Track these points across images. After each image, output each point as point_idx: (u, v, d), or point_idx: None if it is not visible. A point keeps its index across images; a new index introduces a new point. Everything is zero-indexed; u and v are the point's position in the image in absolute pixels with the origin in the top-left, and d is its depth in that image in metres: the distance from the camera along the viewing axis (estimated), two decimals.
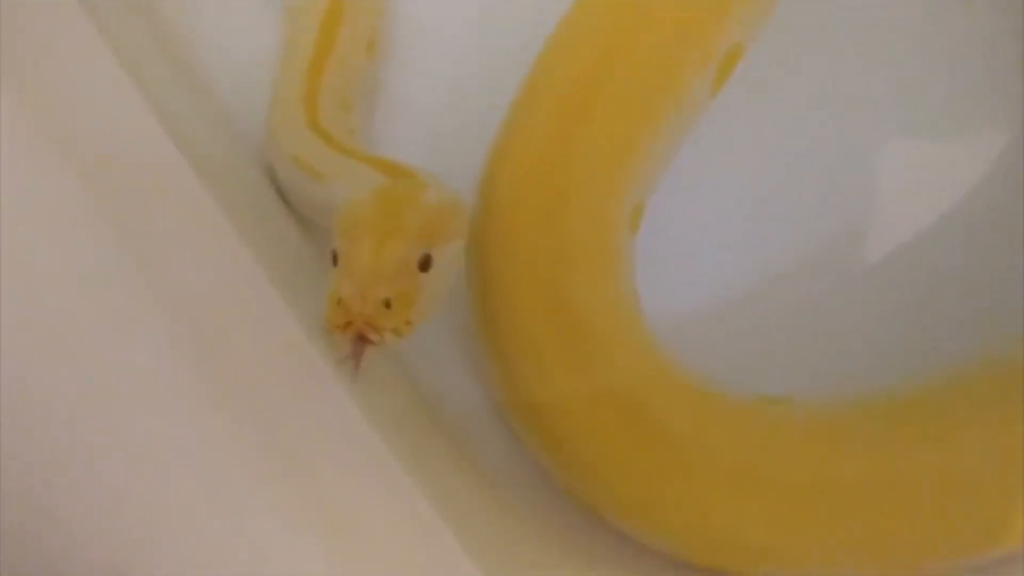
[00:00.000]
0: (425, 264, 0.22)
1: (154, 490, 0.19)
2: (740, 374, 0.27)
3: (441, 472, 0.27)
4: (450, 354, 0.30)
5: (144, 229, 0.22)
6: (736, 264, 0.30)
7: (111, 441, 0.19)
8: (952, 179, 0.31)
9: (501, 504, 0.28)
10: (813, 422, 0.26)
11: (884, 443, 0.25)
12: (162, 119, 0.24)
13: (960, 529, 0.24)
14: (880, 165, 0.31)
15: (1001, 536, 0.24)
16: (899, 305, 0.30)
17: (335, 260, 0.22)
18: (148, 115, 0.24)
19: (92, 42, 0.24)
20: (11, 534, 0.18)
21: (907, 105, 0.32)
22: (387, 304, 0.21)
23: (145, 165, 0.24)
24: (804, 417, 0.26)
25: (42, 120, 0.21)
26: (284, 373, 0.23)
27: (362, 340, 0.21)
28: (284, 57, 0.29)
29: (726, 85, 0.29)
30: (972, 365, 0.27)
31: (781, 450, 0.25)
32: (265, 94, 0.29)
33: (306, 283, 0.26)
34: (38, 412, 0.19)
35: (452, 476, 0.27)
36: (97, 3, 0.25)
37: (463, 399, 0.29)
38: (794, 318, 0.30)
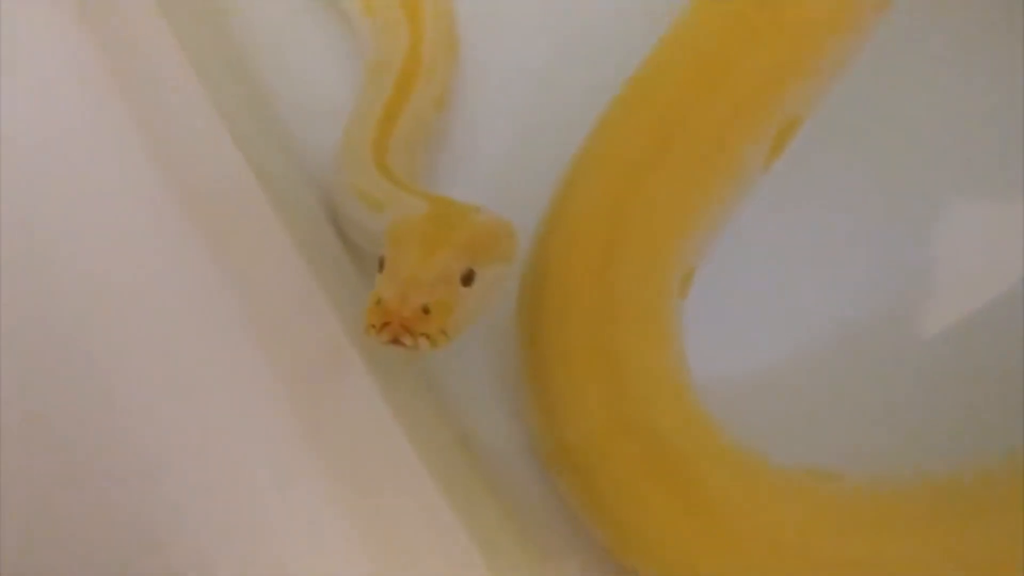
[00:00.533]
0: (468, 279, 0.23)
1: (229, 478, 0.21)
2: (786, 444, 0.27)
3: (475, 504, 0.28)
4: (494, 397, 0.30)
5: (223, 234, 0.24)
6: (786, 333, 0.31)
7: (191, 419, 0.21)
8: (1010, 253, 0.31)
9: (535, 548, 0.28)
10: (862, 500, 0.26)
11: (933, 525, 0.25)
12: (243, 149, 0.27)
13: None
14: (936, 239, 0.32)
15: None
16: (953, 383, 0.30)
17: (381, 266, 0.23)
18: (232, 146, 0.27)
19: (194, 86, 0.26)
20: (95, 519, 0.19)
21: (964, 180, 0.32)
22: (425, 310, 0.22)
23: (226, 183, 0.26)
24: (853, 494, 0.26)
25: (153, 146, 0.24)
26: (327, 373, 0.24)
27: (396, 342, 0.22)
28: (359, 104, 0.31)
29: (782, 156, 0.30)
30: None
31: (828, 527, 0.25)
32: (331, 132, 0.31)
33: (350, 296, 0.27)
34: (132, 392, 0.21)
35: (486, 511, 0.28)
36: (194, 50, 0.27)
37: (502, 444, 0.30)
38: (844, 390, 0.30)
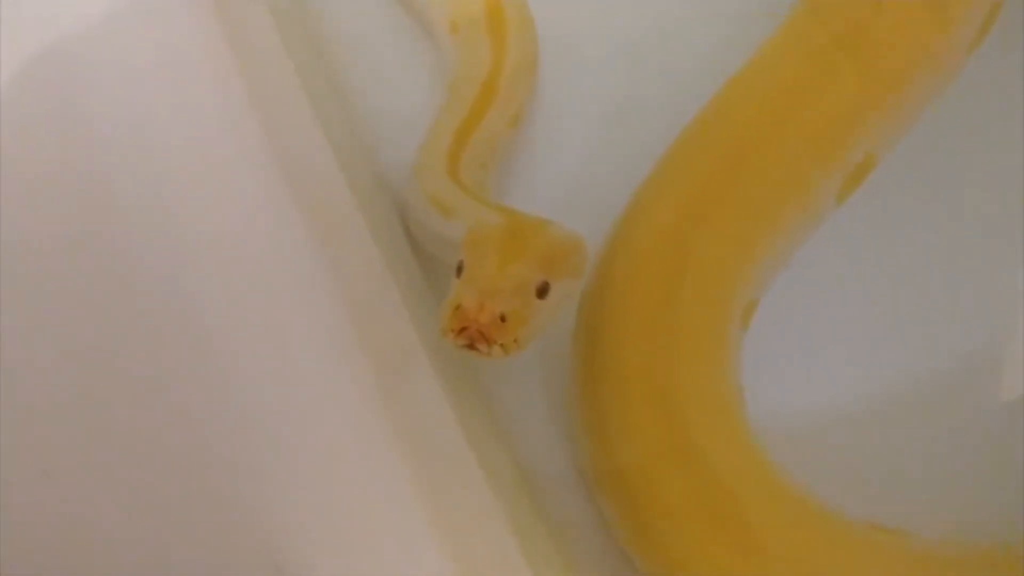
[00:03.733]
0: (543, 291, 0.24)
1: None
2: (836, 488, 0.26)
3: (523, 518, 0.28)
4: (546, 415, 0.30)
5: (322, 226, 0.26)
6: (846, 376, 0.30)
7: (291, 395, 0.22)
8: None
9: (577, 569, 0.28)
10: (922, 558, 0.25)
11: None
12: (337, 154, 0.28)
13: None
14: (1016, 296, 0.31)
15: None
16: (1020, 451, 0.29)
17: (459, 272, 0.24)
18: (328, 149, 0.28)
19: (302, 100, 0.28)
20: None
21: None
22: (502, 318, 0.22)
23: (324, 191, 0.28)
24: (912, 552, 0.25)
25: (275, 153, 0.25)
26: (401, 373, 0.25)
27: (471, 348, 0.22)
28: (438, 117, 0.31)
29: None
30: None
31: None
32: (409, 143, 0.32)
33: (416, 298, 0.28)
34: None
35: (533, 528, 0.28)
36: (299, 64, 0.29)
37: (551, 462, 0.30)
38: (905, 443, 0.29)
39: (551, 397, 0.31)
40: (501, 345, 0.23)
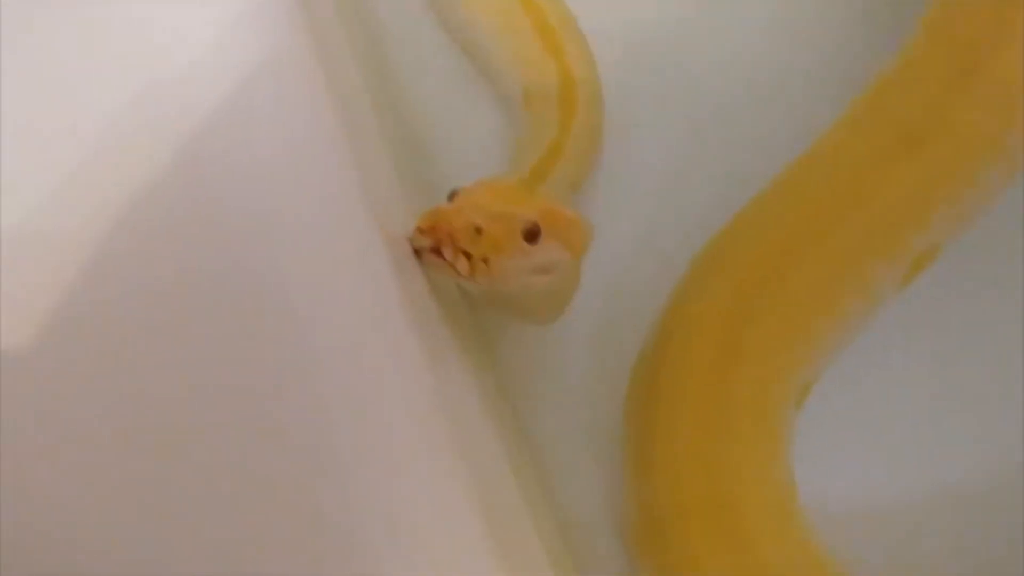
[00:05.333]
0: (532, 235, 0.22)
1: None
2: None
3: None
4: (593, 476, 0.30)
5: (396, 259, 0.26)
6: (898, 466, 0.30)
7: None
8: None
9: None
10: None
11: None
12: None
13: None
14: None
15: None
16: None
17: (451, 197, 0.23)
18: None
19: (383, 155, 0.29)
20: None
21: None
22: (478, 230, 0.21)
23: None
24: None
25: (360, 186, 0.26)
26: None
27: (436, 252, 0.21)
28: (501, 175, 0.32)
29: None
30: None
31: None
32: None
33: (455, 335, 0.28)
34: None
35: None
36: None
37: (594, 522, 0.29)
38: (958, 535, 0.29)
39: (599, 451, 0.30)
40: (467, 256, 0.21)
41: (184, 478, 0.20)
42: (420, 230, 0.22)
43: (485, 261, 0.21)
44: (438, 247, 0.21)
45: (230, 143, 0.23)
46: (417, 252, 0.23)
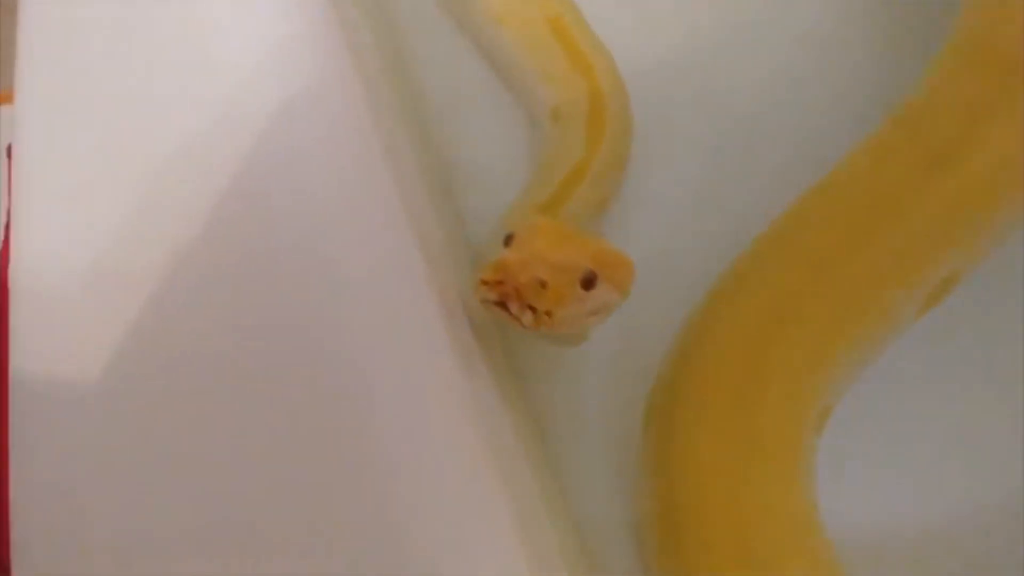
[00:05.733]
0: (589, 283, 0.23)
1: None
2: None
3: None
4: (612, 499, 0.30)
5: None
6: (918, 491, 0.30)
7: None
8: None
9: None
10: None
11: None
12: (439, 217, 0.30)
13: None
14: None
15: None
16: None
17: (507, 243, 0.23)
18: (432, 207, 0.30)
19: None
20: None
21: None
22: (543, 284, 0.22)
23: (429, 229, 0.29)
24: None
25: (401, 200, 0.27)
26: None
27: (502, 305, 0.22)
28: (526, 189, 0.32)
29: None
30: None
31: None
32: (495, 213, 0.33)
33: (482, 346, 0.28)
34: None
35: None
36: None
37: (614, 547, 0.30)
38: (978, 567, 0.28)
39: (619, 470, 0.31)
40: (532, 311, 0.22)
41: (258, 493, 0.21)
42: (485, 283, 0.22)
43: (548, 314, 0.22)
44: (504, 300, 0.22)
45: (286, 171, 0.24)
46: (482, 301, 0.24)
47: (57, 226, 0.23)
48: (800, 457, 0.27)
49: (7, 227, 0.24)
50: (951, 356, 0.31)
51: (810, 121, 0.35)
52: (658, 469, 0.27)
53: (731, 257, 0.30)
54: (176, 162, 0.24)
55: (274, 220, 0.24)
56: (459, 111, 0.36)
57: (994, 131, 0.28)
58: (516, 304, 0.22)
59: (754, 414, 0.26)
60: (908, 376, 0.31)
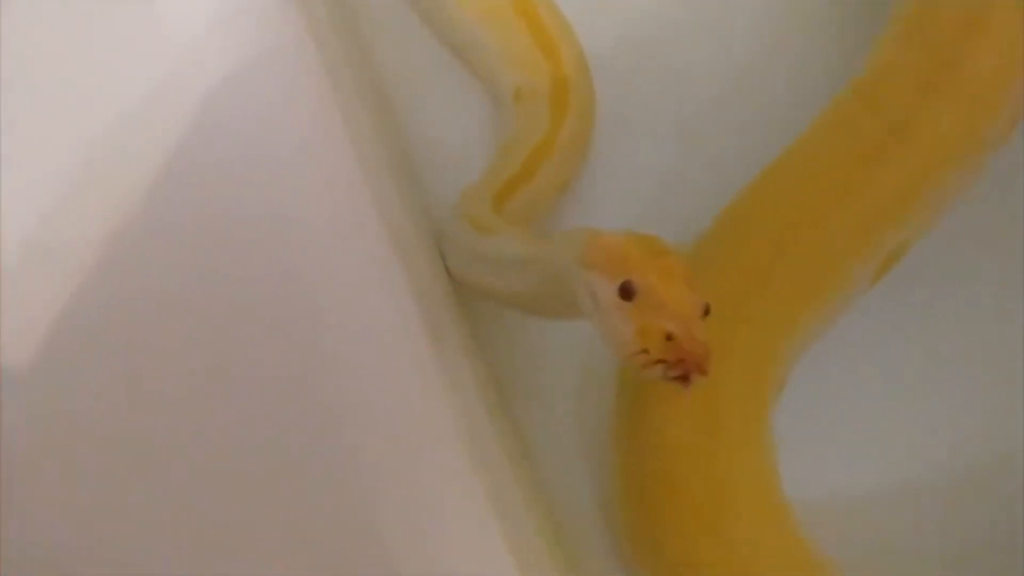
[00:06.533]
0: (707, 311, 0.22)
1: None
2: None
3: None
4: (584, 477, 0.31)
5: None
6: (885, 460, 0.31)
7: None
8: None
9: None
10: None
11: None
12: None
13: None
14: None
15: None
16: None
17: (627, 294, 0.21)
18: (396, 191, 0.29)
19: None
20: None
21: None
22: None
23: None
24: None
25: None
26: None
27: (683, 379, 0.20)
28: (488, 170, 0.32)
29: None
30: None
31: None
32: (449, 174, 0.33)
33: (448, 326, 0.28)
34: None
35: None
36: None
37: (587, 526, 0.30)
38: (927, 526, 0.30)
39: (588, 448, 0.31)
40: (704, 374, 0.20)
41: (198, 483, 0.20)
42: (664, 362, 0.20)
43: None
44: (687, 377, 0.21)
45: (236, 141, 0.23)
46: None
47: None
48: (763, 427, 0.27)
49: None
50: (894, 328, 0.32)
51: (772, 99, 0.35)
52: (628, 445, 0.27)
53: (694, 235, 0.30)
54: (117, 134, 0.23)
55: (224, 195, 0.23)
56: (420, 91, 0.35)
57: (938, 105, 0.29)
58: (699, 376, 0.20)
59: (720, 388, 0.27)
60: (852, 347, 0.32)
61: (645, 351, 0.21)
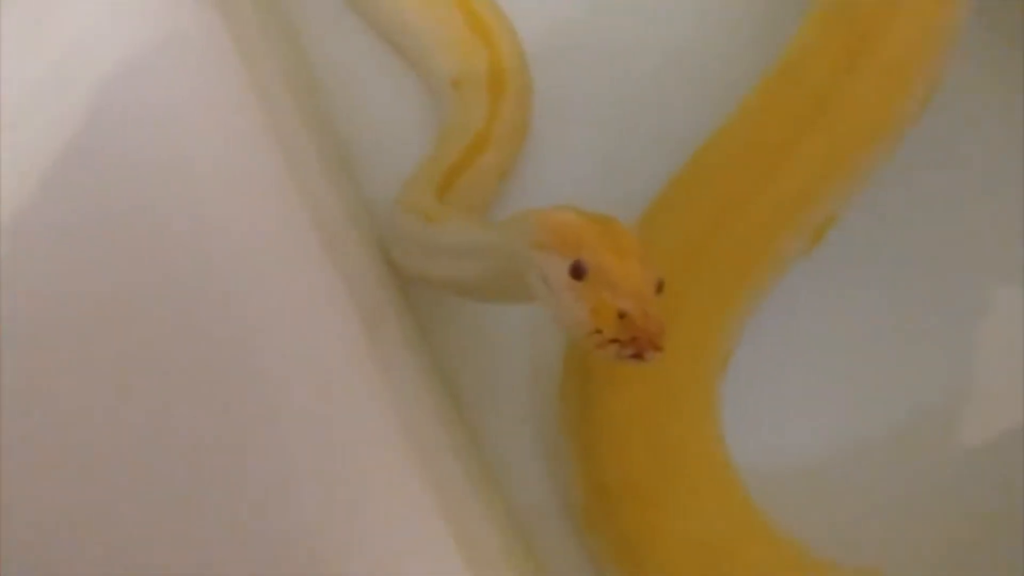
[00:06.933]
0: (660, 288, 0.21)
1: None
2: (815, 536, 0.28)
3: (511, 557, 0.28)
4: (535, 455, 0.31)
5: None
6: (822, 424, 0.32)
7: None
8: None
9: None
10: None
11: None
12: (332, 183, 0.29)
13: None
14: (987, 336, 0.32)
15: None
16: (997, 493, 0.31)
17: (577, 273, 0.21)
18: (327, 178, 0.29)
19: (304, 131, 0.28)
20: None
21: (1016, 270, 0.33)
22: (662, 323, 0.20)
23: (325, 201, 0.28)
24: None
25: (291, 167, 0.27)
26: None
27: (638, 357, 0.20)
28: (427, 159, 0.32)
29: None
30: None
31: None
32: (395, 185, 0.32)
33: (388, 319, 0.28)
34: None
35: (521, 565, 0.29)
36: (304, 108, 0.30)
37: (540, 502, 0.31)
38: (879, 489, 0.31)
39: (541, 438, 0.31)
40: (660, 351, 0.20)
41: (100, 492, 0.20)
42: (618, 341, 0.20)
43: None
44: (639, 355, 0.20)
45: (133, 134, 0.23)
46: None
47: None
48: (711, 401, 0.28)
49: None
50: (830, 298, 0.34)
51: (708, 77, 0.36)
52: (578, 426, 0.28)
53: (634, 216, 0.31)
54: (8, 119, 0.22)
55: (121, 189, 0.22)
56: (353, 82, 0.35)
57: (858, 80, 0.30)
58: (652, 353, 0.20)
59: (667, 361, 0.27)
60: (789, 318, 0.33)
61: (599, 331, 0.20)
